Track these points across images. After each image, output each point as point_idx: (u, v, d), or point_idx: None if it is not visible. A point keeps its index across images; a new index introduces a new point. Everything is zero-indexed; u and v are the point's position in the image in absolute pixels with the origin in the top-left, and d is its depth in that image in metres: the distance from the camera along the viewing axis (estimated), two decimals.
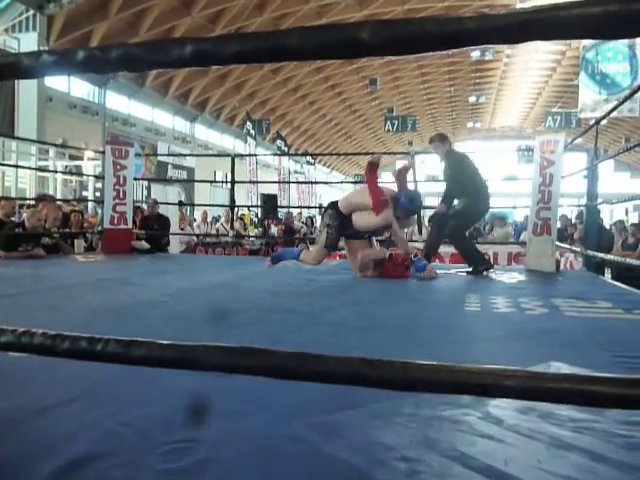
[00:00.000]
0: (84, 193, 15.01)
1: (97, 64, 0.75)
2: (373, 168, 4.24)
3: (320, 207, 14.08)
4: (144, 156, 18.32)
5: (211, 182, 21.74)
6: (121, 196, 6.08)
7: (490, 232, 9.07)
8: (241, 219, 11.82)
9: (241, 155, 17.86)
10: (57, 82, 17.35)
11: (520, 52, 26.39)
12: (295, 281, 4.05)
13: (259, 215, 14.20)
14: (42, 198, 6.82)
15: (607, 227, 9.56)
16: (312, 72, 25.81)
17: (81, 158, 14.16)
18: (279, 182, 18.80)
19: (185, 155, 22.59)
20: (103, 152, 6.30)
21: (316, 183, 24.63)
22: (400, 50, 0.64)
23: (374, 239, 4.53)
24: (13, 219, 6.01)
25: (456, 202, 4.76)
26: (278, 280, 4.14)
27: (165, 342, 0.77)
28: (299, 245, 6.63)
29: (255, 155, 16.93)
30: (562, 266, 6.41)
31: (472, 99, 28.23)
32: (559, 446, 1.14)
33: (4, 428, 1.22)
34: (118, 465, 1.04)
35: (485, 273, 4.56)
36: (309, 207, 16.92)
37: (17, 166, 11.42)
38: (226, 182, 15.22)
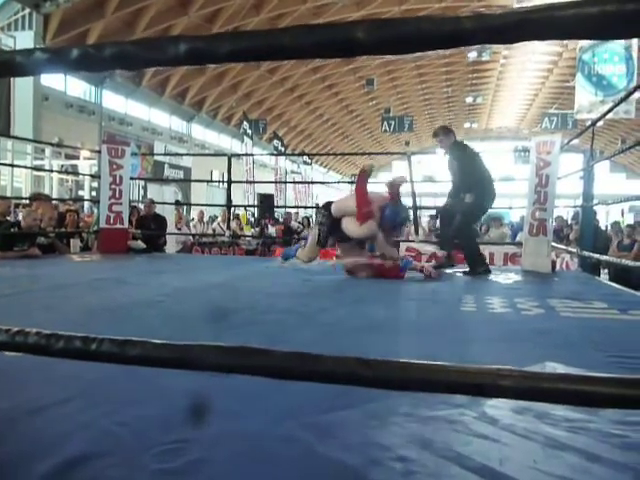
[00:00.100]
0: (80, 192, 14.96)
1: (91, 62, 0.75)
2: (364, 177, 4.23)
3: (317, 207, 14.09)
4: (140, 155, 18.31)
5: (208, 182, 21.72)
6: (117, 196, 6.07)
7: (486, 232, 9.07)
8: (237, 218, 11.80)
9: (238, 155, 17.86)
10: (53, 81, 17.30)
11: (517, 53, 26.44)
12: (291, 281, 4.04)
13: (256, 215, 14.21)
14: (36, 197, 6.78)
15: (603, 228, 9.59)
16: (309, 72, 25.80)
17: (77, 157, 14.12)
18: (276, 182, 18.80)
19: (182, 155, 22.57)
20: (99, 151, 6.29)
21: (313, 183, 24.64)
22: (396, 49, 0.63)
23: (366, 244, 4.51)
24: (9, 218, 5.99)
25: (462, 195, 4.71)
26: (275, 280, 4.14)
27: (160, 342, 0.77)
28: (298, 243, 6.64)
29: (252, 155, 16.94)
30: (558, 267, 6.42)
31: (469, 100, 28.31)
32: (554, 446, 1.14)
33: (0, 428, 1.22)
34: (113, 465, 1.03)
35: (481, 276, 4.54)
36: (306, 207, 16.92)
37: (13, 165, 11.38)
38: (223, 182, 15.21)
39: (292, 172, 24.85)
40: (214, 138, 27.56)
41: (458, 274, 4.65)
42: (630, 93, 6.19)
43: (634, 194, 4.12)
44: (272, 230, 11.70)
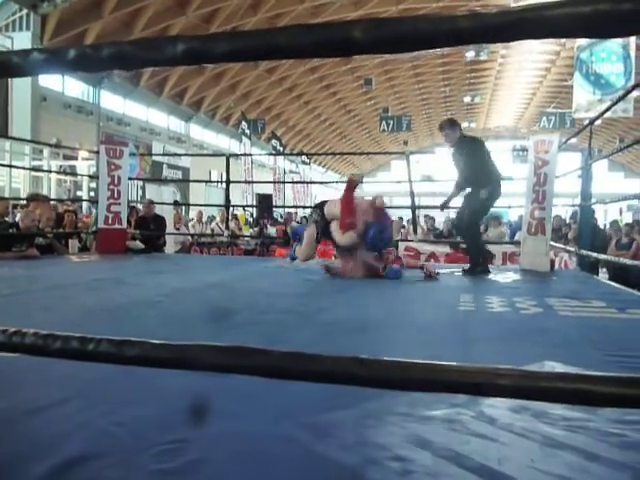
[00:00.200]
0: (78, 193, 14.95)
1: (89, 62, 0.75)
2: (351, 187, 4.22)
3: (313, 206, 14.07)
4: (139, 156, 18.29)
5: (206, 182, 21.70)
6: (115, 196, 6.06)
7: (485, 232, 9.09)
8: (235, 218, 11.80)
9: (236, 155, 17.86)
10: (51, 81, 17.27)
11: (515, 52, 26.46)
12: (290, 281, 4.05)
13: (254, 215, 14.20)
14: (33, 198, 6.78)
15: (601, 227, 9.60)
16: (307, 72, 25.79)
17: (75, 158, 14.11)
18: (274, 182, 18.79)
19: (180, 155, 22.55)
20: (97, 152, 6.28)
21: (311, 183, 24.63)
22: (393, 49, 0.63)
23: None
24: (7, 219, 5.99)
25: (467, 191, 4.67)
26: (273, 280, 4.14)
27: (158, 342, 0.77)
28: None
29: (250, 155, 16.93)
30: (556, 266, 6.42)
31: (467, 99, 28.30)
32: (552, 445, 1.14)
33: None
34: (111, 465, 1.03)
35: (479, 275, 4.52)
36: (304, 207, 16.91)
37: (11, 166, 11.37)
38: (221, 182, 15.19)
39: (291, 172, 24.84)
40: (212, 138, 27.54)
41: (456, 273, 4.65)
42: (628, 92, 6.19)
43: (632, 193, 4.13)
44: (272, 230, 11.69)
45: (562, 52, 24.58)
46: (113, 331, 0.92)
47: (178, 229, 9.79)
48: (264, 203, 11.57)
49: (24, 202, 7.53)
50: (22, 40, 14.28)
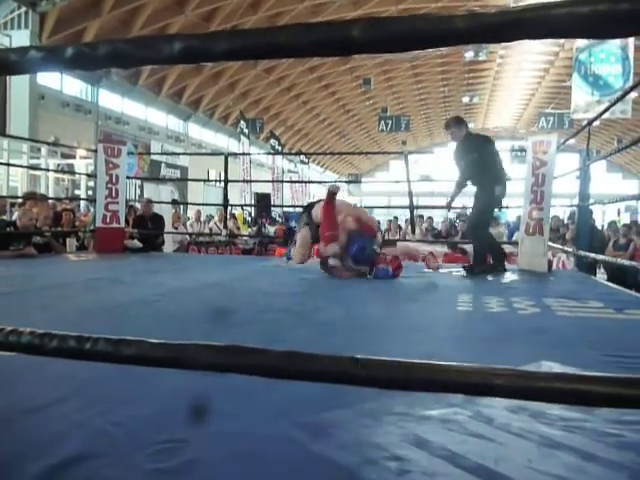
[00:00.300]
0: (76, 192, 14.93)
1: (86, 60, 0.75)
2: (331, 197, 4.15)
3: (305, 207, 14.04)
4: (137, 155, 18.26)
5: (204, 181, 21.68)
6: (113, 195, 6.05)
7: None
8: (233, 217, 11.79)
9: (235, 154, 17.84)
10: (50, 80, 17.25)
11: (513, 53, 26.48)
12: (288, 281, 4.04)
13: (252, 214, 14.19)
14: (30, 197, 6.77)
15: (599, 228, 9.62)
16: (306, 71, 25.79)
17: (73, 156, 14.09)
18: (273, 181, 18.79)
19: (178, 154, 22.53)
20: (95, 150, 6.27)
21: (310, 182, 24.61)
22: (391, 48, 0.63)
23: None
24: (4, 218, 5.98)
25: (471, 188, 4.65)
26: (271, 279, 4.14)
27: (155, 341, 0.77)
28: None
29: (249, 154, 16.93)
30: (554, 266, 6.44)
31: (465, 99, 28.31)
32: (550, 445, 1.15)
33: None
34: (108, 465, 1.03)
35: (480, 276, 4.50)
36: (303, 206, 16.91)
37: (9, 164, 11.34)
38: (219, 181, 15.15)
39: (289, 171, 24.82)
40: (211, 137, 27.52)
41: (455, 272, 4.65)
42: (626, 93, 6.20)
43: (630, 194, 4.13)
44: (271, 230, 11.69)
45: (561, 53, 24.61)
46: (110, 330, 0.92)
47: (176, 228, 9.78)
48: (262, 202, 11.54)
49: (21, 201, 7.51)
50: (20, 38, 14.26)
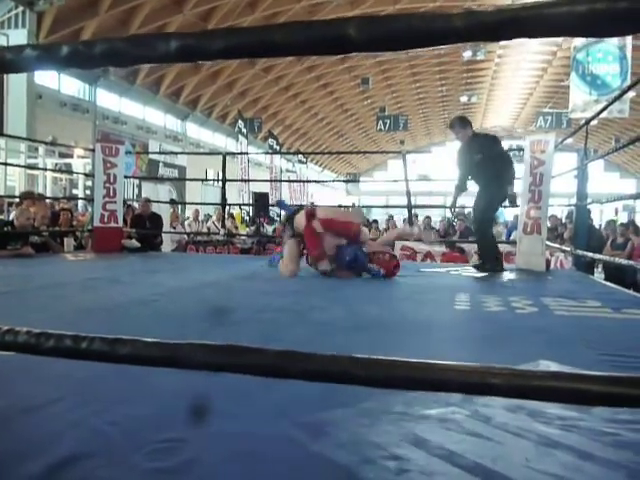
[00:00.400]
0: (74, 191, 14.91)
1: (82, 59, 0.74)
2: (310, 218, 4.08)
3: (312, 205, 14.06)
4: (135, 154, 18.25)
5: (202, 180, 21.67)
6: (111, 194, 6.05)
7: None
8: (232, 217, 11.79)
9: (233, 153, 17.83)
10: (47, 79, 17.22)
11: (511, 52, 26.50)
12: (285, 280, 4.04)
13: (250, 214, 14.19)
14: (27, 196, 6.76)
15: (597, 227, 9.63)
16: (304, 71, 25.78)
17: (71, 156, 14.08)
18: (271, 180, 18.78)
19: (176, 153, 22.51)
20: (93, 150, 6.27)
21: (308, 182, 24.61)
22: (387, 46, 0.63)
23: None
24: (2, 217, 5.97)
25: (474, 187, 4.63)
26: (269, 279, 4.13)
27: (151, 340, 0.76)
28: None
29: (247, 153, 16.93)
30: (552, 265, 6.45)
31: (464, 99, 28.33)
32: (547, 444, 1.15)
33: None
34: (104, 465, 1.03)
35: (489, 273, 4.43)
36: (301, 205, 16.93)
37: (6, 164, 11.33)
38: (217, 180, 15.12)
39: (287, 171, 24.81)
40: (209, 137, 27.50)
41: (453, 272, 4.65)
42: (624, 92, 6.22)
43: (628, 193, 4.14)
44: (269, 229, 11.69)
45: (559, 52, 24.63)
46: (108, 330, 0.92)
47: (175, 228, 9.78)
48: (260, 202, 11.56)
49: (18, 200, 7.50)
50: (18, 37, 14.23)
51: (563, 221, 9.81)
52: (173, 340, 0.77)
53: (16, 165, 12.01)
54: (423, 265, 6.10)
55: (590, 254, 4.91)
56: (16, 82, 14.15)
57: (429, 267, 5.63)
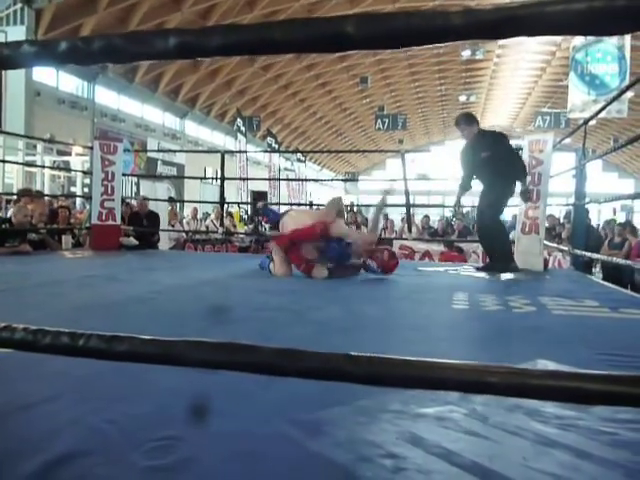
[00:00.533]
0: (72, 189, 14.88)
1: (80, 55, 0.74)
2: (278, 242, 4.11)
3: (310, 204, 14.06)
4: (133, 152, 18.23)
5: (201, 179, 21.64)
6: (109, 192, 6.04)
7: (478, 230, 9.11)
8: (230, 215, 11.78)
9: (231, 151, 17.82)
10: (45, 76, 17.19)
11: (510, 52, 26.52)
12: (284, 278, 4.03)
13: (249, 212, 14.18)
14: (24, 193, 6.74)
15: (595, 226, 9.65)
16: (303, 70, 25.77)
17: (69, 153, 14.05)
18: (269, 179, 18.75)
19: (175, 151, 22.49)
20: (91, 148, 6.26)
21: (306, 180, 24.60)
22: (386, 44, 0.63)
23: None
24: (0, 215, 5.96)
25: (475, 186, 4.58)
26: (267, 277, 4.13)
27: (148, 337, 0.76)
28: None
29: (245, 152, 16.91)
30: (550, 265, 6.46)
31: (462, 98, 28.35)
32: (544, 443, 1.15)
33: None
34: (101, 463, 1.02)
35: (500, 274, 4.31)
36: (299, 204, 16.93)
37: (4, 161, 11.30)
38: (216, 179, 15.11)
39: (286, 169, 24.78)
40: (207, 135, 27.48)
41: (457, 270, 4.65)
42: (622, 92, 6.22)
43: (626, 193, 4.15)
44: (268, 227, 11.67)
45: (557, 52, 24.66)
46: (106, 328, 0.92)
47: (173, 226, 9.77)
48: (259, 200, 11.54)
49: (16, 197, 7.49)
50: (16, 34, 14.19)
51: (561, 221, 9.82)
52: (170, 337, 0.77)
53: (14, 162, 11.97)
54: (421, 264, 6.10)
55: (588, 254, 4.92)
56: (14, 79, 14.12)
57: (427, 266, 5.64)
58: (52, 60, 0.80)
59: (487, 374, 0.66)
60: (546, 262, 5.30)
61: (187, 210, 14.03)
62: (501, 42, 23.17)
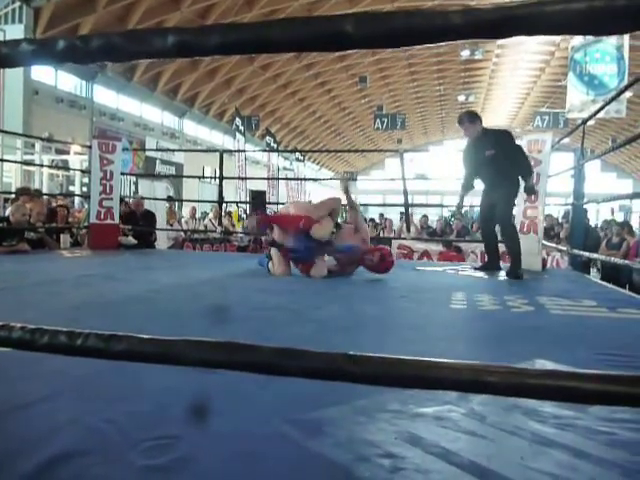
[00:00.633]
0: (71, 188, 14.87)
1: (78, 54, 0.74)
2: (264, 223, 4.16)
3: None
4: (132, 151, 18.21)
5: (200, 178, 21.62)
6: (108, 191, 6.04)
7: (477, 230, 9.13)
8: (229, 215, 11.77)
9: (230, 151, 17.80)
10: (44, 75, 17.16)
11: (509, 52, 26.54)
12: (282, 278, 4.03)
13: (248, 211, 14.17)
14: (23, 192, 6.73)
15: (593, 226, 9.66)
16: (302, 69, 25.77)
17: (68, 152, 14.02)
18: (268, 178, 18.75)
19: (173, 150, 22.47)
20: (90, 147, 6.25)
21: (305, 180, 24.60)
22: (385, 43, 0.63)
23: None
24: None
25: (479, 185, 4.50)
26: (266, 277, 4.13)
27: (146, 336, 0.76)
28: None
29: (244, 151, 16.91)
30: (548, 265, 6.46)
31: (461, 98, 28.37)
32: (542, 443, 1.15)
33: None
34: (99, 462, 1.02)
35: (514, 278, 4.18)
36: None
37: (2, 160, 11.27)
38: (215, 178, 15.10)
39: (284, 169, 24.79)
40: (206, 134, 27.45)
41: (457, 269, 4.65)
42: (621, 92, 6.23)
43: (624, 193, 4.15)
44: None
45: (556, 52, 24.68)
46: (104, 327, 0.91)
47: (172, 225, 9.75)
48: (258, 199, 11.54)
49: (14, 196, 7.47)
50: (14, 33, 14.18)
51: (560, 221, 9.83)
52: (169, 337, 0.77)
53: (12, 161, 11.95)
54: (420, 264, 6.11)
55: (586, 254, 4.92)
56: (12, 78, 14.11)
57: (426, 266, 5.64)
58: (50, 59, 0.80)
59: (485, 374, 0.66)
60: (544, 262, 5.30)
61: (186, 209, 14.02)
62: (500, 42, 23.19)
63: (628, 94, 15.25)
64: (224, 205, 9.29)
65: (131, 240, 6.44)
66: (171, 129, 24.56)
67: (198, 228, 10.51)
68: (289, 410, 1.28)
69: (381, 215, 12.40)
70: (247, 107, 25.71)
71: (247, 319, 2.42)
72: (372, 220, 12.02)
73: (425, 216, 10.63)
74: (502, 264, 4.73)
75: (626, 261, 5.41)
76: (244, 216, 13.68)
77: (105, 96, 20.31)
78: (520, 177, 4.31)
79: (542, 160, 4.85)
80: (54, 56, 0.76)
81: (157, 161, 20.99)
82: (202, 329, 2.04)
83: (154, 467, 1.00)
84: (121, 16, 17.43)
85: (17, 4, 14.76)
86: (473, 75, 29.99)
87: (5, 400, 1.32)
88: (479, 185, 4.59)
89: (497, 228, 4.64)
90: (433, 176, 28.51)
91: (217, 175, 7.06)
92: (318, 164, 40.59)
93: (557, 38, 20.42)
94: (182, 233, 9.64)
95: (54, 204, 7.75)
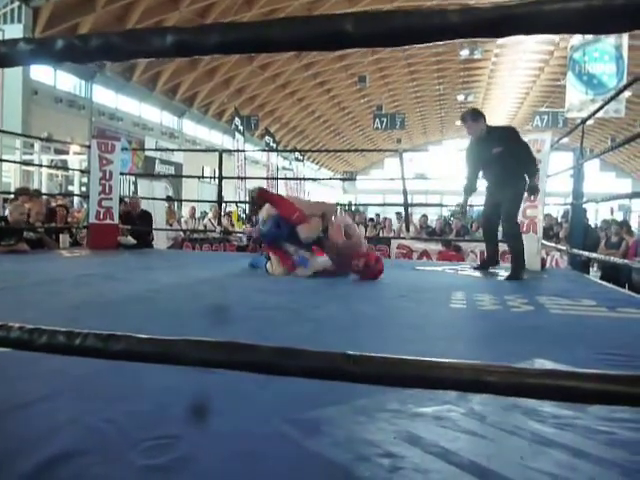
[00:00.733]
0: (70, 188, 14.86)
1: (77, 53, 0.74)
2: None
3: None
4: (131, 151, 18.19)
5: (199, 177, 21.60)
6: (107, 191, 6.03)
7: (476, 230, 9.13)
8: (228, 215, 11.76)
9: (229, 150, 17.79)
10: (43, 75, 17.14)
11: (508, 52, 26.54)
12: (281, 277, 4.03)
13: (247, 211, 14.17)
14: (22, 192, 6.73)
15: (592, 226, 9.67)
16: (301, 69, 25.75)
17: (67, 152, 14.01)
18: (267, 178, 18.73)
19: (173, 150, 22.45)
20: (89, 146, 6.24)
21: (304, 180, 24.60)
22: (384, 42, 0.63)
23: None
24: None
25: (483, 185, 4.45)
26: (264, 276, 4.13)
27: (145, 336, 0.76)
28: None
29: (243, 151, 16.89)
30: (548, 264, 6.47)
31: (461, 98, 28.37)
32: (542, 442, 1.15)
33: None
34: (99, 462, 1.02)
35: (524, 278, 4.14)
36: None
37: (1, 160, 11.26)
38: (214, 178, 15.09)
39: (284, 169, 24.77)
40: (205, 134, 27.43)
41: (456, 269, 4.65)
42: (620, 91, 6.24)
43: (623, 193, 4.15)
44: None
45: (555, 52, 24.68)
46: (103, 327, 0.91)
47: (171, 225, 9.75)
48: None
49: (13, 196, 7.46)
50: (13, 32, 14.15)
51: (559, 220, 9.84)
52: (168, 336, 0.77)
53: (11, 161, 11.94)
54: (419, 263, 6.11)
55: (586, 253, 4.92)
56: (11, 77, 14.09)
57: (425, 265, 5.64)
58: (49, 58, 0.80)
59: (485, 373, 0.66)
60: (544, 261, 5.30)
61: (185, 209, 14.00)
62: (499, 41, 23.18)
63: (627, 94, 15.25)
64: (223, 205, 9.29)
65: (130, 240, 6.44)
66: (170, 129, 24.54)
67: (197, 228, 10.51)
68: (288, 410, 1.27)
69: (377, 215, 12.42)
70: (246, 107, 25.70)
71: (246, 319, 2.42)
72: (372, 220, 12.03)
73: (424, 216, 10.64)
74: (501, 264, 4.73)
75: (625, 260, 5.41)
76: (243, 216, 13.68)
77: (104, 96, 20.29)
78: (526, 175, 4.23)
79: (541, 160, 4.85)
80: (53, 55, 0.76)
81: (156, 161, 20.97)
82: (202, 329, 2.04)
83: (154, 467, 1.00)
84: (120, 16, 17.41)
85: (16, 4, 14.74)
86: (472, 75, 29.99)
87: (4, 400, 1.31)
88: (481, 186, 4.54)
89: (498, 228, 4.62)
90: (432, 176, 28.55)
91: (216, 175, 7.05)
92: (317, 164, 40.58)
93: (556, 37, 20.43)
94: (181, 233, 9.64)
95: (53, 204, 7.75)
